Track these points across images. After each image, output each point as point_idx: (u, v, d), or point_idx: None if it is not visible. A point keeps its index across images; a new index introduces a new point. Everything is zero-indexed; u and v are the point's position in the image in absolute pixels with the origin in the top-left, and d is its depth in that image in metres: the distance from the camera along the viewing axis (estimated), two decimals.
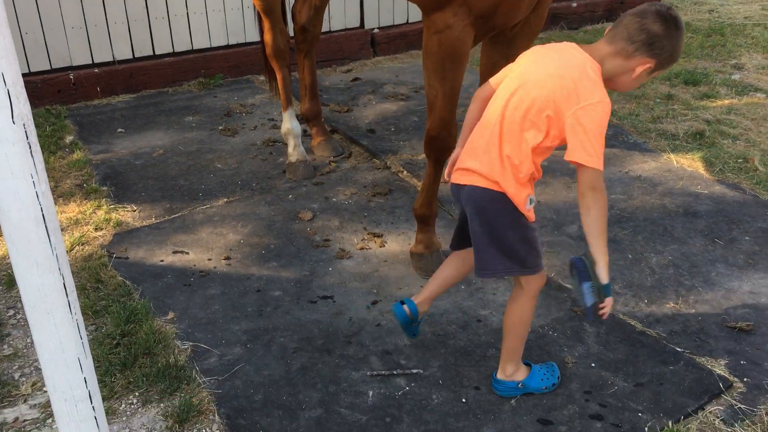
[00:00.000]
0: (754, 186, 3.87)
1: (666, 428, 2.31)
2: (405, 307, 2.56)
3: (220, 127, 4.78)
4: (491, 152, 2.19)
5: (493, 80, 2.32)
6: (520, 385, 2.45)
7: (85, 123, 4.84)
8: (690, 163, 4.17)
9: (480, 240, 2.28)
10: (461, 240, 2.50)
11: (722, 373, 2.55)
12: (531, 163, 2.16)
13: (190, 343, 2.73)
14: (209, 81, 5.54)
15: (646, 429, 2.31)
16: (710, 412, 2.37)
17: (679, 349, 2.68)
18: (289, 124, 4.14)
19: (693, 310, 2.91)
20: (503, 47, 3.00)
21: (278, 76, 4.09)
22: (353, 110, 5.10)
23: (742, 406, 2.39)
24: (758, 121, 4.65)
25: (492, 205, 2.22)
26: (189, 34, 5.49)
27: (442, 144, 3.04)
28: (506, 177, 2.17)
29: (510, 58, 2.99)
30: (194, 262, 3.28)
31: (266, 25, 3.94)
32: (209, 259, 3.30)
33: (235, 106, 5.13)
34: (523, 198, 2.20)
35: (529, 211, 2.23)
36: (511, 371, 2.45)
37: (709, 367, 2.58)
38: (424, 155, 4.27)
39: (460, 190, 2.33)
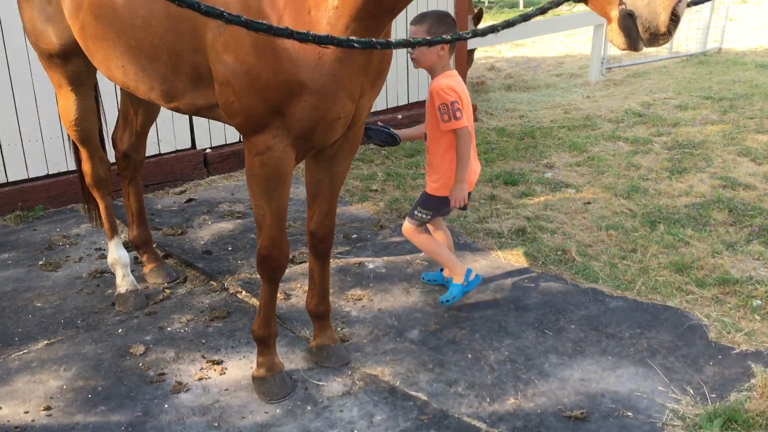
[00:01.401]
0: (574, 276, 4.14)
1: None
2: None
3: (41, 262, 4.47)
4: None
5: None
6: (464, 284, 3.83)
7: None
8: (516, 258, 4.41)
9: None
10: None
11: None
12: None
13: None
14: (28, 214, 5.21)
15: None
16: None
17: None
18: (115, 253, 3.95)
19: (532, 404, 2.99)
20: (325, 164, 3.07)
21: (101, 206, 3.92)
22: (188, 232, 4.97)
23: None
24: (571, 215, 5.05)
25: None
26: (2, 166, 5.17)
27: (274, 263, 3.01)
28: None
29: (333, 173, 3.08)
30: (8, 418, 2.94)
31: (84, 154, 3.80)
32: (26, 412, 2.98)
33: (57, 238, 4.83)
34: None
35: None
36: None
37: None
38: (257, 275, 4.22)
39: None
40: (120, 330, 3.65)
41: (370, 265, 4.36)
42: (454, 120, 3.53)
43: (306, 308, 3.42)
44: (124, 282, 3.93)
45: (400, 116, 7.42)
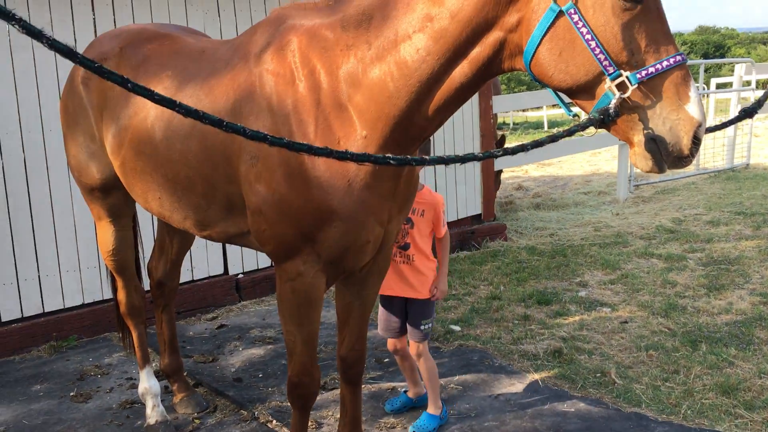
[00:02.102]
0: (615, 399, 3.98)
1: None
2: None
3: (72, 393, 4.44)
4: None
5: None
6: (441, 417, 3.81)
7: None
8: (554, 381, 4.27)
9: None
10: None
11: None
12: None
13: None
14: (61, 344, 5.24)
15: None
16: None
17: None
18: (146, 383, 3.92)
19: None
20: (356, 288, 3.08)
21: (134, 334, 3.94)
22: (218, 359, 4.94)
23: None
24: (608, 335, 4.93)
25: None
26: (40, 297, 5.27)
27: (305, 390, 2.96)
28: None
29: (363, 297, 3.08)
30: None
31: (120, 283, 3.87)
32: None
33: (89, 369, 4.82)
34: None
35: None
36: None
37: None
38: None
39: None
40: None
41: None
42: (446, 226, 3.89)
43: None
44: (153, 413, 3.87)
45: None
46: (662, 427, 3.65)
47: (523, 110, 37.60)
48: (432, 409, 3.83)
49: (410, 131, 2.50)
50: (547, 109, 39.63)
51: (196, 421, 4.02)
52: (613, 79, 2.12)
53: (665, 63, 2.09)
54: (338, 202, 2.55)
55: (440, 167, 7.68)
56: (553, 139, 2.29)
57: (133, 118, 3.07)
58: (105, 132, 3.29)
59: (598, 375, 4.29)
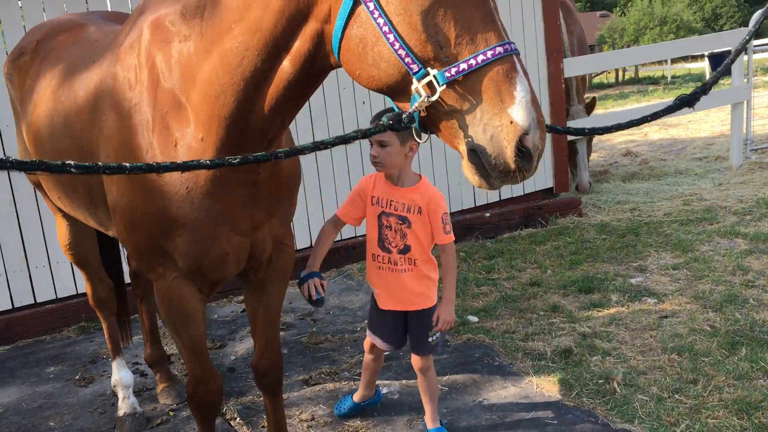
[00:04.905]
0: (608, 412, 3.47)
1: None
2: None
3: (77, 377, 4.58)
4: None
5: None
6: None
7: None
8: (550, 386, 3.81)
9: None
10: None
11: None
12: None
13: None
14: (90, 325, 5.44)
15: None
16: None
17: None
18: (117, 374, 3.93)
19: None
20: (256, 293, 2.88)
21: (104, 326, 3.96)
22: (226, 345, 4.90)
23: None
24: (637, 332, 4.33)
25: None
26: (73, 279, 5.48)
27: (200, 401, 2.80)
28: None
29: (266, 303, 2.84)
30: None
31: (84, 276, 3.88)
32: None
33: (104, 352, 4.95)
34: None
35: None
36: None
37: None
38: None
39: None
40: None
41: (384, 390, 3.98)
42: (451, 233, 3.21)
43: None
44: (123, 404, 3.88)
45: (488, 214, 7.01)
46: None
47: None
48: (432, 423, 3.46)
49: (248, 133, 2.21)
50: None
51: (171, 413, 3.99)
52: (419, 79, 1.73)
53: (481, 57, 1.68)
54: (177, 210, 2.32)
55: None
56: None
57: (32, 114, 3.00)
58: (22, 127, 3.25)
59: (601, 381, 3.76)
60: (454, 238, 3.24)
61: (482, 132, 1.70)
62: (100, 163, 1.81)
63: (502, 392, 3.83)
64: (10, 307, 5.29)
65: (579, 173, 8.31)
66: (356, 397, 3.72)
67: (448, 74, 1.69)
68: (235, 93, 2.12)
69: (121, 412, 3.86)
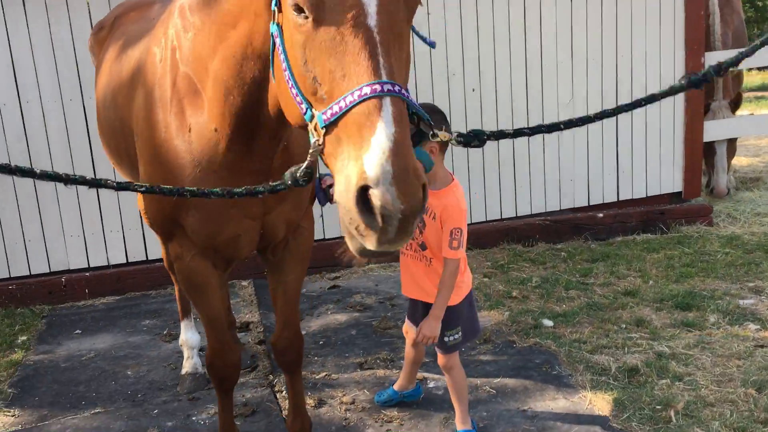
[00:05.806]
0: None
1: None
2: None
3: (164, 332, 4.93)
4: None
5: None
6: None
7: (55, 323, 5.22)
8: (602, 404, 3.56)
9: None
10: None
11: None
12: None
13: None
14: None
15: None
16: None
17: None
18: (184, 335, 4.19)
19: None
20: (276, 273, 2.93)
21: (175, 288, 4.21)
22: (303, 319, 5.05)
23: None
24: (722, 359, 3.93)
25: None
26: None
27: (218, 372, 2.92)
28: None
29: (284, 283, 2.89)
30: None
31: (160, 240, 4.13)
32: None
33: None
34: None
35: None
36: None
37: None
38: (322, 374, 4.11)
39: None
40: (156, 411, 3.84)
41: (431, 383, 3.92)
42: (460, 249, 3.10)
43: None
44: (187, 363, 4.13)
45: (601, 215, 6.62)
46: None
47: None
48: (461, 424, 3.38)
49: (260, 129, 2.28)
50: None
51: None
52: (309, 121, 1.64)
53: (349, 99, 1.52)
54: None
55: (625, 135, 6.71)
56: None
57: (96, 84, 3.25)
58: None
59: (659, 407, 3.46)
60: (459, 256, 3.12)
61: (343, 182, 1.54)
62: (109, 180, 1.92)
63: (551, 403, 3.64)
64: (124, 261, 5.78)
65: (716, 176, 7.59)
66: (396, 386, 3.72)
67: (324, 117, 1.57)
68: (242, 95, 2.19)
69: (183, 371, 4.12)
